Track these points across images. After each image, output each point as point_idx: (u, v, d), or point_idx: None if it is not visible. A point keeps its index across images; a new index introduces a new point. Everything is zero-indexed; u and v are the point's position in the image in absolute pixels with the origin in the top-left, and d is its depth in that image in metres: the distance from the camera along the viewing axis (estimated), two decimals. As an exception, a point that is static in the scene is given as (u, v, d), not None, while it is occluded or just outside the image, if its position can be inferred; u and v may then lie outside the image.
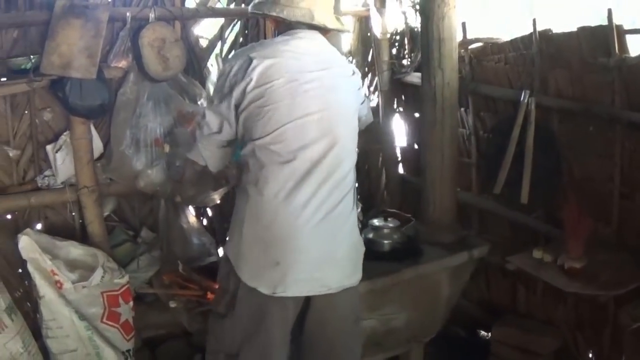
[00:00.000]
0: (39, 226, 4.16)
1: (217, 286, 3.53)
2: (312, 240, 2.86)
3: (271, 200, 2.82)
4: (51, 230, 4.14)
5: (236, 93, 2.85)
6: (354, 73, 3.08)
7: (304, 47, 2.91)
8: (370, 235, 3.88)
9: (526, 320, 4.23)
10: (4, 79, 3.74)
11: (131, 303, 4.02)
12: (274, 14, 2.93)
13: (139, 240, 4.39)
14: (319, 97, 2.85)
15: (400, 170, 5.19)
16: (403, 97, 5.04)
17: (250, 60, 2.84)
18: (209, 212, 4.71)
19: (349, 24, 5.01)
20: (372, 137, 5.03)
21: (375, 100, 5.09)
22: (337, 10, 3.18)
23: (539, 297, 4.16)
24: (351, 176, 3.00)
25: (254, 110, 2.83)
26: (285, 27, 2.99)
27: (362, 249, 3.17)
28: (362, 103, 3.20)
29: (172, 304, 3.43)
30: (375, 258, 3.77)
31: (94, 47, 3.74)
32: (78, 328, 3.78)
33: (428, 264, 3.82)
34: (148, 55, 3.96)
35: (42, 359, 3.81)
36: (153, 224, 4.48)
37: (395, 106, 5.10)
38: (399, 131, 5.14)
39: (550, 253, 3.56)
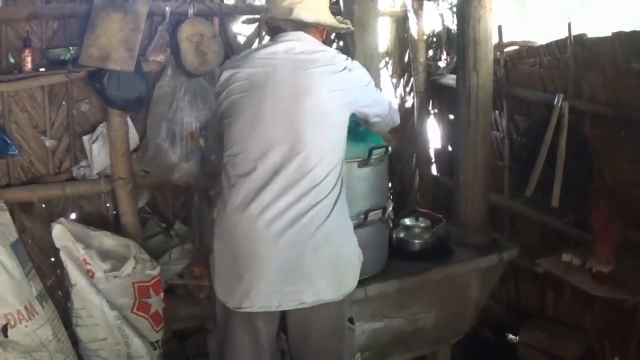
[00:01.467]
0: (73, 216, 4.22)
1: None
2: (275, 251, 2.70)
3: (233, 211, 2.74)
4: (85, 220, 4.21)
5: (218, 107, 2.90)
6: (345, 69, 2.83)
7: (282, 50, 2.80)
8: (401, 235, 3.90)
9: (554, 324, 4.21)
10: (42, 69, 3.80)
11: (162, 295, 4.06)
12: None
13: (172, 233, 4.44)
14: (286, 103, 2.72)
15: (434, 171, 5.19)
16: (438, 99, 5.04)
17: (221, 72, 2.87)
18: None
19: (386, 24, 5.05)
20: (406, 138, 5.06)
21: (410, 101, 5.10)
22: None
23: (567, 302, 4.13)
24: (329, 181, 2.78)
25: (224, 122, 2.84)
26: (274, 32, 2.92)
27: (354, 258, 2.95)
28: (366, 101, 2.98)
29: (202, 295, 3.46)
30: (405, 257, 3.81)
31: (132, 40, 3.80)
32: (108, 317, 3.83)
33: (457, 265, 3.82)
34: (186, 49, 4.01)
35: (70, 347, 3.86)
36: (186, 218, 4.53)
37: (430, 108, 5.10)
38: (434, 133, 5.14)
39: (579, 257, 3.55)
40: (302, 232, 2.70)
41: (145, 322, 3.99)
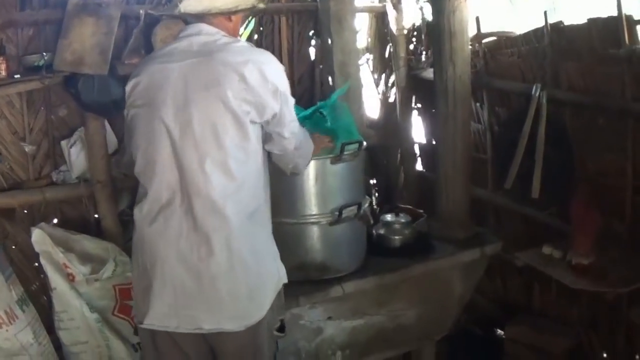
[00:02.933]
0: (55, 220, 4.21)
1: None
2: (176, 273, 2.56)
3: (141, 226, 2.65)
4: (67, 224, 4.17)
5: (125, 118, 2.77)
6: (247, 63, 2.51)
7: (179, 50, 2.60)
8: (382, 231, 3.89)
9: (540, 318, 4.18)
10: (17, 76, 3.79)
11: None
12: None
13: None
14: (176, 115, 2.52)
15: (419, 166, 5.14)
16: (420, 93, 4.98)
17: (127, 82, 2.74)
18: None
19: (365, 20, 5.01)
20: (389, 133, 5.02)
21: (392, 97, 5.06)
22: None
23: (553, 296, 4.10)
24: (236, 200, 2.56)
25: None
26: (185, 24, 2.76)
27: (267, 285, 2.71)
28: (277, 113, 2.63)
29: None
30: (385, 254, 3.80)
31: (105, 43, 3.78)
32: (88, 320, 3.81)
33: (438, 260, 3.80)
34: (161, 51, 3.98)
35: (52, 350, 3.84)
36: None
37: (412, 103, 5.06)
38: (417, 128, 5.10)
39: (560, 249, 3.53)
40: (205, 255, 2.54)
41: (127, 324, 3.94)
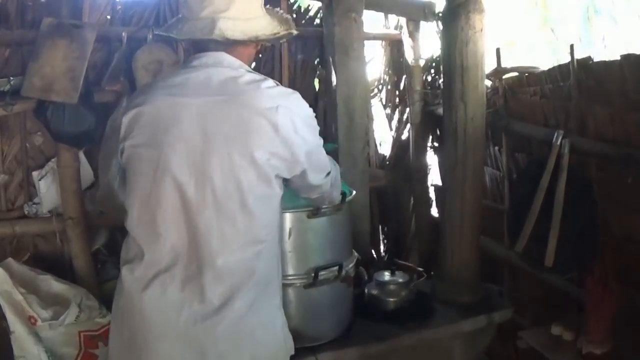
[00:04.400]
0: (27, 256, 3.90)
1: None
2: (174, 353, 2.17)
3: (130, 291, 2.21)
4: (40, 260, 3.87)
5: (119, 153, 2.34)
6: (278, 109, 2.16)
7: (194, 83, 2.20)
8: (375, 292, 3.47)
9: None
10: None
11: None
12: (173, 34, 2.28)
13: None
14: (191, 166, 2.14)
15: (434, 212, 4.66)
16: (436, 131, 4.50)
17: (127, 109, 2.34)
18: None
19: (379, 49, 4.57)
20: (401, 175, 4.56)
21: (406, 134, 4.60)
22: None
23: None
24: (254, 268, 2.22)
25: (127, 176, 2.36)
26: (195, 49, 2.31)
27: (277, 357, 2.36)
28: (304, 165, 2.31)
29: None
30: (377, 318, 3.40)
31: (77, 69, 3.45)
32: (45, 367, 3.50)
33: (435, 329, 3.37)
34: (141, 79, 3.66)
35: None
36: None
37: (428, 141, 4.57)
38: (433, 169, 4.63)
39: (572, 330, 3.01)
40: (208, 331, 2.16)
41: (91, 377, 3.63)
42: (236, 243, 2.18)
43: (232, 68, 2.23)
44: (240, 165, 2.13)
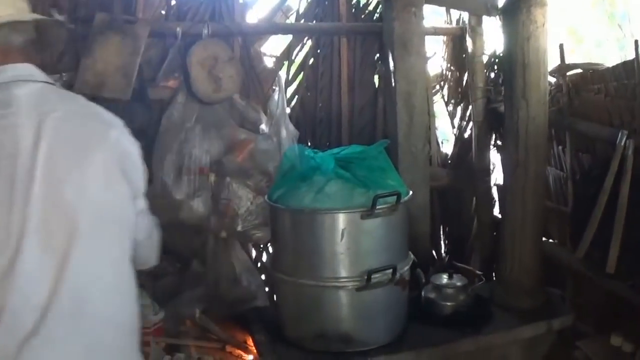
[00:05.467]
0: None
1: (241, 337, 3.16)
2: None
3: None
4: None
5: None
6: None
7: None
8: (431, 295, 3.34)
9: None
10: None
11: (161, 338, 3.65)
12: None
13: (187, 274, 4.03)
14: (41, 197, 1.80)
15: (496, 212, 4.52)
16: (500, 129, 4.35)
17: None
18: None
19: (439, 45, 4.45)
20: (464, 174, 4.43)
21: (468, 132, 4.48)
22: None
23: None
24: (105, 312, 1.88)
25: None
26: None
27: None
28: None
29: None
30: (433, 322, 3.26)
31: (130, 65, 3.44)
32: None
33: (493, 335, 3.21)
34: (197, 75, 3.62)
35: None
36: (205, 257, 4.08)
37: (491, 140, 4.44)
38: (496, 168, 4.48)
39: (632, 341, 2.84)
40: None
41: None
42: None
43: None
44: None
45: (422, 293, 3.39)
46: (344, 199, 2.88)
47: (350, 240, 2.89)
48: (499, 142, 4.39)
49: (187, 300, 3.89)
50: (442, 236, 4.62)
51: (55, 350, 1.76)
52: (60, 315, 1.76)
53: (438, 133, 4.49)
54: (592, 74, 3.51)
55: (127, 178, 2.03)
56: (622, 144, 3.16)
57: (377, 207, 2.84)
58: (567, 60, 3.67)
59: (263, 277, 4.12)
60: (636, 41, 3.13)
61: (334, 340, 2.97)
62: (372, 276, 2.88)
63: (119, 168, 1.99)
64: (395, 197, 2.91)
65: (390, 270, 2.95)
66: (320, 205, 2.87)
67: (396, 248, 3.05)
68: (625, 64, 3.27)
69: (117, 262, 1.95)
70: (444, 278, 3.37)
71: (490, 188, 4.45)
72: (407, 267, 3.10)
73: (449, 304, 3.29)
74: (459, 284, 3.33)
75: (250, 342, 3.18)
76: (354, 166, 2.97)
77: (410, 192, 3.10)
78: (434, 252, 4.38)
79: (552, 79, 3.65)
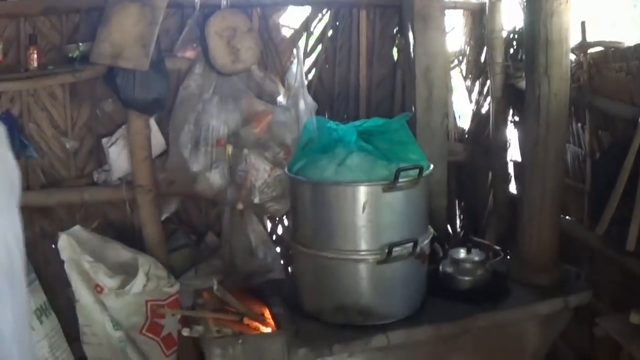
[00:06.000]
0: (95, 223, 3.88)
1: (258, 310, 3.14)
2: None
3: None
4: (108, 228, 3.90)
5: None
6: None
7: None
8: (449, 269, 3.33)
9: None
10: (50, 67, 3.47)
11: (178, 310, 3.65)
12: None
13: (202, 246, 4.04)
14: None
15: (512, 189, 4.50)
16: (517, 105, 4.30)
17: None
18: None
19: (460, 19, 4.40)
20: (480, 150, 4.41)
21: (486, 107, 4.44)
22: None
23: None
24: None
25: None
26: None
27: None
28: None
29: (185, 332, 2.99)
30: (451, 296, 3.26)
31: (148, 35, 3.41)
32: (111, 338, 3.51)
33: (510, 310, 3.21)
34: (215, 46, 3.60)
35: (72, 365, 3.59)
36: (221, 229, 4.07)
37: (509, 115, 4.38)
38: (512, 144, 4.44)
39: (652, 319, 2.83)
40: None
41: (155, 345, 3.61)
42: None
43: None
44: None
45: (440, 267, 3.38)
46: (366, 172, 2.87)
47: (371, 213, 2.88)
48: (516, 118, 4.36)
49: (203, 272, 3.90)
50: (457, 211, 4.61)
51: None
52: None
53: (455, 108, 4.45)
54: (614, 52, 3.45)
55: None
56: (644, 122, 3.13)
57: (400, 180, 2.84)
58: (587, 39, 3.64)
59: (278, 249, 4.14)
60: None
61: (353, 313, 2.98)
62: (393, 249, 2.88)
63: None
64: (417, 170, 2.90)
65: (411, 244, 2.95)
66: (342, 177, 2.87)
67: (417, 222, 3.05)
68: (646, 43, 3.23)
69: None
70: (462, 252, 3.36)
71: (506, 164, 4.41)
72: (427, 241, 3.09)
73: (466, 278, 3.29)
74: (477, 258, 3.33)
75: (267, 314, 3.16)
76: (376, 139, 2.96)
77: (432, 166, 3.09)
78: (449, 227, 4.36)
79: (573, 56, 3.60)
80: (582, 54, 3.59)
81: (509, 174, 4.45)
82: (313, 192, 2.97)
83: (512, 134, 4.39)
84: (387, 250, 2.87)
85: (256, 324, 3.07)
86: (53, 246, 3.76)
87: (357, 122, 3.09)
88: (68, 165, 3.80)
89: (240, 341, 2.83)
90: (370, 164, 2.87)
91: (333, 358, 2.93)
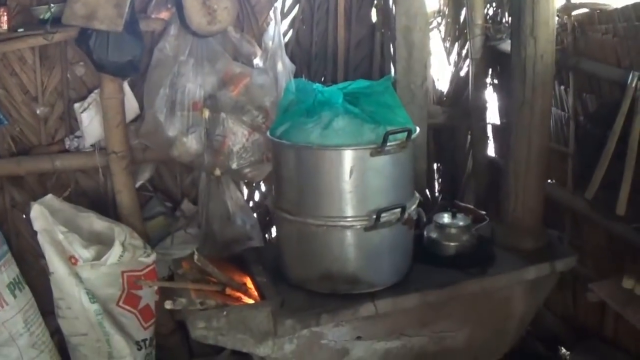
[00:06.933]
0: (67, 192, 3.75)
1: (239, 279, 3.06)
2: None
3: None
4: (82, 197, 3.77)
5: None
6: None
7: None
8: (434, 235, 3.28)
9: (611, 349, 3.49)
10: (20, 30, 3.29)
11: (159, 281, 3.55)
12: None
13: (178, 214, 3.93)
14: None
15: (491, 152, 4.45)
16: (497, 67, 4.25)
17: None
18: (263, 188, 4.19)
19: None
20: (459, 112, 4.35)
21: (465, 69, 4.36)
22: None
23: (629, 326, 3.31)
24: None
25: None
26: None
27: None
28: None
29: (167, 305, 2.89)
30: (437, 262, 3.22)
31: (122, -5, 3.25)
32: (87, 311, 3.37)
33: (498, 277, 3.17)
34: (190, 6, 3.44)
35: (48, 340, 3.50)
36: (196, 196, 3.97)
37: (488, 78, 4.32)
38: (491, 106, 4.38)
39: (645, 284, 2.80)
40: None
41: (132, 318, 3.51)
42: None
43: None
44: None
45: (425, 233, 3.33)
46: (353, 135, 2.78)
47: (358, 178, 2.80)
48: (495, 81, 4.29)
49: (179, 241, 3.81)
50: (435, 175, 4.56)
51: None
52: None
53: (433, 70, 4.36)
54: (600, 14, 3.39)
55: None
56: (634, 85, 3.07)
57: (388, 143, 2.76)
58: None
59: (256, 216, 4.05)
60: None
61: (340, 281, 2.92)
62: (381, 215, 2.82)
63: None
64: (405, 133, 2.83)
65: (399, 210, 2.88)
66: (329, 141, 2.78)
67: (404, 186, 2.98)
68: (635, 5, 3.15)
69: None
70: (447, 218, 3.31)
71: (485, 126, 4.36)
72: (414, 206, 3.03)
73: (452, 244, 3.25)
74: (462, 223, 3.28)
75: (250, 284, 3.08)
76: (362, 102, 2.87)
77: (418, 129, 3.01)
78: (427, 191, 4.31)
79: (557, 18, 3.53)
80: (566, 16, 3.52)
81: (487, 136, 4.39)
82: (298, 157, 2.87)
83: (491, 96, 4.34)
84: (375, 217, 2.80)
85: (239, 294, 2.98)
86: (24, 216, 3.65)
87: (342, 85, 3.00)
88: (39, 132, 3.65)
89: (225, 313, 2.75)
90: (357, 127, 2.79)
91: (320, 328, 2.88)
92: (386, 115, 2.83)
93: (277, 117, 3.08)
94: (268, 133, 3.01)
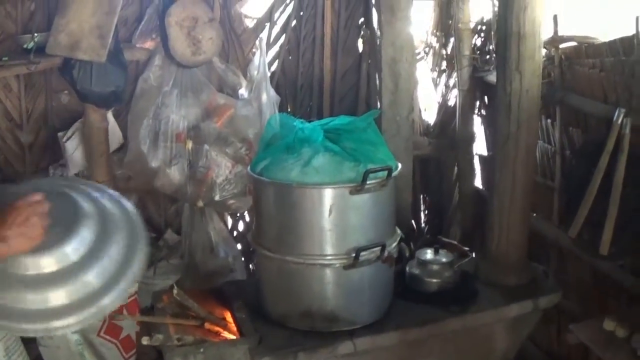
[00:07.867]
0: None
1: (219, 313, 3.03)
2: None
3: None
4: (64, 226, 3.73)
5: None
6: None
7: None
8: (416, 271, 3.25)
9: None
10: (5, 59, 3.28)
11: (137, 316, 3.53)
12: None
13: (161, 243, 3.91)
14: None
15: (478, 183, 4.44)
16: (485, 98, 4.25)
17: None
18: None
19: (428, 10, 4.29)
20: (446, 143, 4.33)
21: (453, 100, 4.35)
22: None
23: None
24: None
25: None
26: None
27: None
28: None
29: (145, 341, 2.87)
30: (418, 299, 3.17)
31: (106, 26, 3.26)
32: (68, 341, 3.36)
33: (479, 314, 3.13)
34: (175, 36, 3.45)
35: (30, 370, 3.44)
36: (180, 226, 3.96)
37: (476, 109, 4.31)
38: (479, 138, 4.37)
39: (626, 326, 2.75)
40: None
41: (113, 348, 3.48)
42: None
43: None
44: None
45: (407, 268, 3.30)
46: (333, 173, 2.76)
47: (338, 216, 2.78)
48: (483, 112, 4.28)
49: (162, 271, 3.79)
50: (422, 206, 4.53)
51: None
52: None
53: (420, 101, 4.35)
54: (587, 47, 3.37)
55: None
56: (619, 122, 3.05)
57: (368, 182, 2.74)
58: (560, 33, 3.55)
59: (239, 246, 4.03)
60: (637, 17, 3.00)
61: (319, 319, 2.89)
62: (361, 254, 2.79)
63: None
64: (385, 172, 2.81)
65: (379, 248, 2.86)
66: (308, 179, 2.75)
67: (384, 224, 2.96)
68: (622, 40, 3.13)
69: None
70: (430, 253, 3.29)
71: (472, 158, 4.34)
72: (395, 244, 3.01)
73: (434, 280, 3.21)
74: (444, 260, 3.25)
75: (229, 318, 3.06)
76: (343, 138, 2.86)
77: (400, 166, 2.99)
78: (413, 223, 4.29)
79: (544, 51, 3.52)
80: (553, 49, 3.51)
81: (474, 168, 4.37)
82: (277, 194, 2.85)
83: (478, 127, 4.32)
84: (354, 255, 2.78)
85: (217, 328, 2.96)
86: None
87: (324, 121, 2.99)
88: (23, 159, 3.64)
89: (201, 350, 2.72)
90: (337, 165, 2.76)
91: (298, 366, 2.85)
92: (367, 152, 2.81)
93: (258, 152, 3.06)
94: (249, 168, 2.99)
